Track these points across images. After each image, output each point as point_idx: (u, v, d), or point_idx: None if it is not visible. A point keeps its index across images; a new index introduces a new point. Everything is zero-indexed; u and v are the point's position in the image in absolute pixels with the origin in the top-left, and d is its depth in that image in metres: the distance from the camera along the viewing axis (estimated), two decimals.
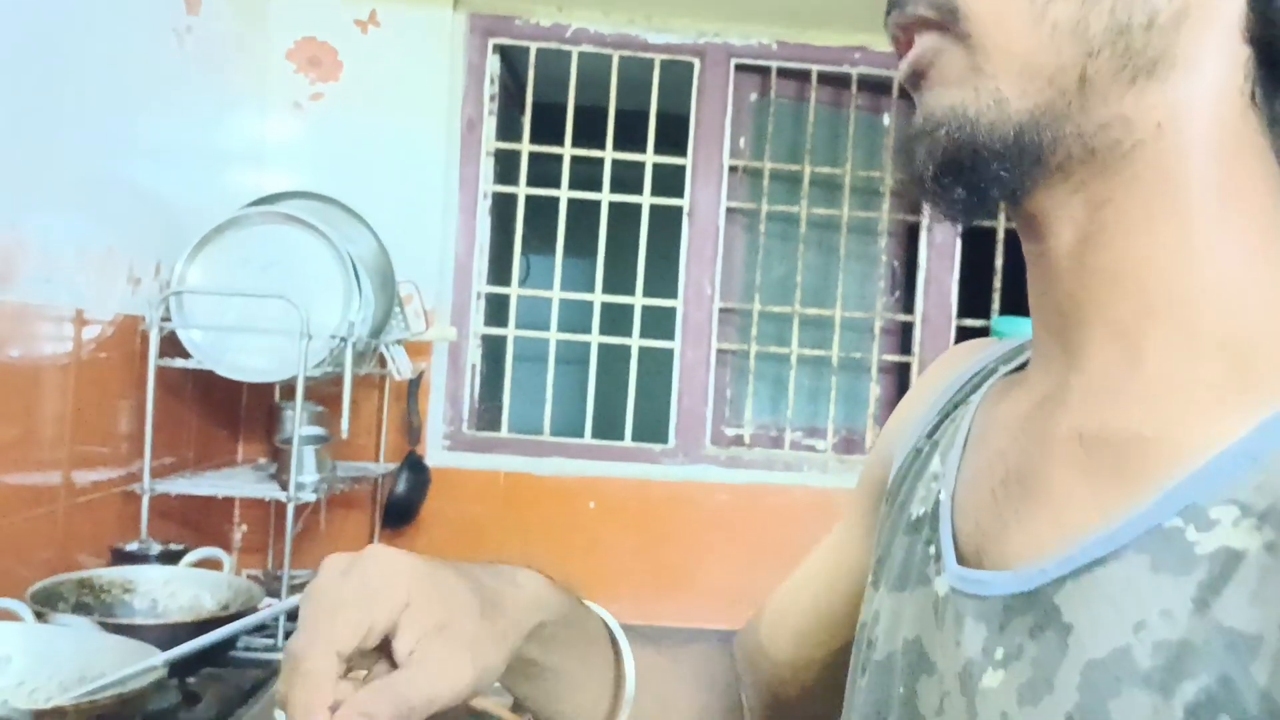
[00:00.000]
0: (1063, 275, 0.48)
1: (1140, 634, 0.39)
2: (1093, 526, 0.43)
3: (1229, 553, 0.38)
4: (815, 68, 2.63)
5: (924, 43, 0.48)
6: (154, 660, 0.99)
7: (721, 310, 2.63)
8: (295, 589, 1.82)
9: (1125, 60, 0.44)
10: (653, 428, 2.64)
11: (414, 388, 2.37)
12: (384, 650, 0.49)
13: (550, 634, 0.58)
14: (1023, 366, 0.57)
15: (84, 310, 1.69)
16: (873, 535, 0.63)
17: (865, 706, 0.55)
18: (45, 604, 1.31)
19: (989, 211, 0.49)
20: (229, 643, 1.42)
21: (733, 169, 2.64)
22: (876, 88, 2.68)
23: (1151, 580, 0.40)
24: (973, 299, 2.67)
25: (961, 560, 0.50)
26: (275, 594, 1.83)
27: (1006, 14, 0.45)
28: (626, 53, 2.61)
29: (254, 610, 1.38)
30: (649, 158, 2.65)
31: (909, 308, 2.70)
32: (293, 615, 1.78)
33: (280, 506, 1.93)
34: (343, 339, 1.89)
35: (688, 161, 2.63)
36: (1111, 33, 0.44)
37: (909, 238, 2.73)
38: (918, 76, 0.49)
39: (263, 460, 2.30)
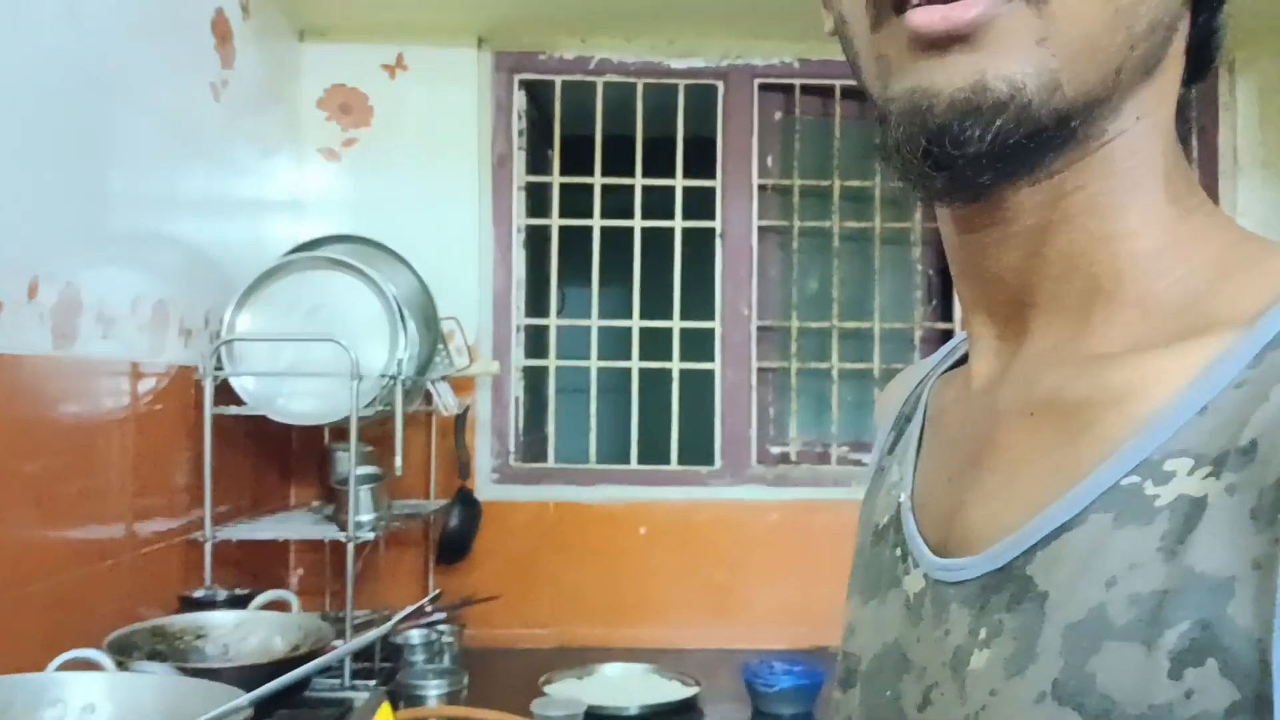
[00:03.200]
0: (1016, 260, 0.48)
1: (1113, 590, 0.40)
2: (1052, 494, 0.43)
3: (1190, 501, 0.39)
4: (838, 83, 2.64)
5: (999, 4, 0.42)
6: (241, 701, 1.00)
7: (760, 328, 2.64)
8: (358, 629, 1.83)
9: (1149, 56, 0.45)
10: (698, 450, 2.64)
11: (460, 423, 2.39)
12: None
13: None
14: (960, 362, 0.58)
15: (139, 364, 1.72)
16: None
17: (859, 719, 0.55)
18: (122, 653, 1.33)
19: (984, 195, 0.47)
20: (303, 683, 1.43)
21: (762, 188, 2.65)
22: None
23: (1116, 536, 0.40)
24: None
25: (933, 553, 0.51)
26: (339, 635, 1.84)
27: None
28: (650, 80, 2.64)
29: (327, 649, 1.40)
30: (679, 181, 2.67)
31: (947, 315, 2.69)
32: (359, 655, 1.79)
33: (337, 547, 1.95)
34: (392, 378, 1.91)
35: (717, 183, 2.65)
36: (1150, 27, 0.44)
37: (943, 245, 2.72)
38: (963, 35, 0.43)
39: (315, 502, 2.32)
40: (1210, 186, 2.61)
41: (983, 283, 0.51)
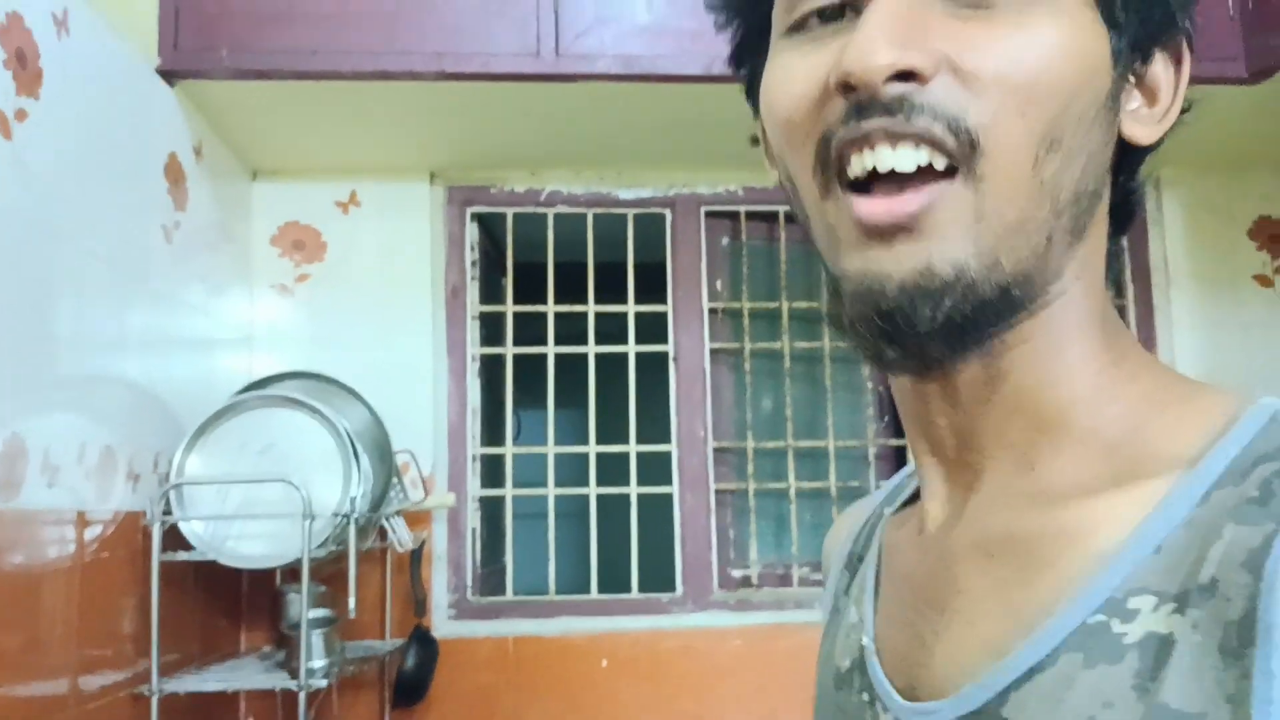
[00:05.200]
0: (962, 407, 0.50)
1: None
2: (1016, 635, 0.45)
3: (1157, 639, 0.40)
4: (781, 209, 2.72)
5: (938, 188, 0.45)
6: None
7: (716, 450, 2.64)
8: None
9: (1077, 221, 0.48)
10: (659, 575, 2.61)
11: (416, 558, 2.34)
12: None
13: None
14: (911, 501, 0.60)
15: (85, 512, 1.68)
16: None
17: None
18: None
19: (934, 365, 0.49)
20: None
21: (713, 311, 2.70)
22: None
23: (1088, 676, 0.41)
24: None
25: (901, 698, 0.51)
26: None
27: (1016, 161, 0.45)
28: (600, 209, 2.70)
29: None
30: (630, 308, 2.71)
31: (899, 432, 2.72)
32: None
33: (289, 696, 1.88)
34: (345, 516, 1.88)
35: (668, 308, 2.69)
36: (1073, 195, 0.47)
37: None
38: (906, 225, 0.46)
39: (266, 648, 2.24)
40: (1145, 299, 2.69)
41: (931, 428, 0.53)
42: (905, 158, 0.45)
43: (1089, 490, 0.46)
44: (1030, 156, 0.45)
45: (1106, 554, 0.43)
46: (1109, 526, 0.44)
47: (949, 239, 0.45)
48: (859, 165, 0.46)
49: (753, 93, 0.56)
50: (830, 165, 0.48)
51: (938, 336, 0.46)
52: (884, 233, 0.46)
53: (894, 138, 0.45)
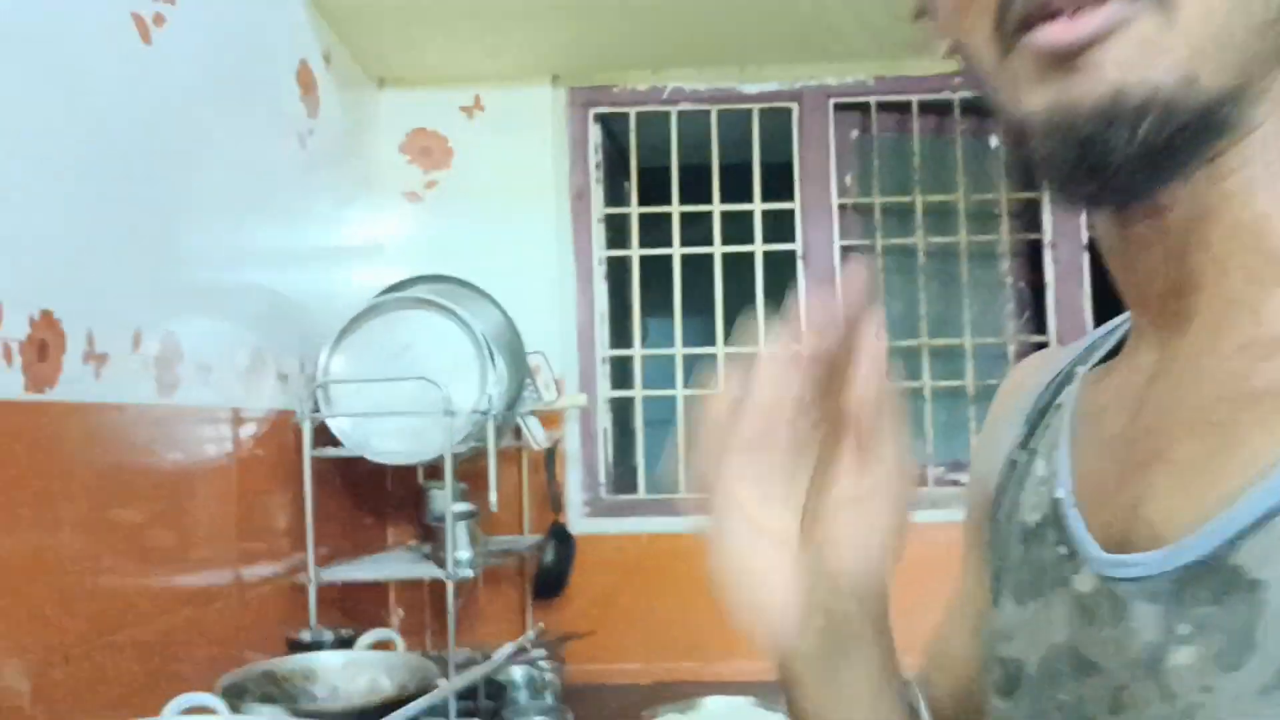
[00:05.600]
0: (1175, 249, 0.47)
1: None
2: (1248, 481, 0.41)
3: None
4: (915, 98, 2.61)
5: (1122, 8, 0.42)
6: None
7: None
8: (460, 667, 1.82)
9: (1278, 42, 0.43)
10: None
11: (551, 457, 2.38)
12: None
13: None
14: (1109, 357, 0.57)
15: (239, 409, 1.74)
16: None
17: None
18: (234, 698, 1.34)
19: (1137, 197, 0.46)
20: None
21: (842, 208, 2.62)
22: (980, 111, 2.64)
23: None
24: (1106, 312, 2.58)
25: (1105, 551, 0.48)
26: (443, 673, 1.84)
27: None
28: (724, 106, 2.63)
29: (431, 688, 1.39)
30: (757, 205, 2.65)
31: (1040, 329, 2.62)
32: (463, 694, 1.78)
33: (437, 586, 1.95)
34: (483, 413, 1.92)
35: (796, 205, 2.62)
36: (1278, 13, 0.43)
37: (1032, 257, 2.66)
38: (1091, 45, 0.43)
39: (412, 542, 2.33)
40: None
41: (1143, 274, 0.50)
42: None
43: None
44: None
45: None
46: None
47: (1140, 57, 0.42)
48: (1045, 10, 0.43)
49: None
50: (1010, 24, 0.45)
51: (1137, 163, 0.43)
52: (1068, 57, 0.43)
53: None
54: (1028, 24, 0.44)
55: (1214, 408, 0.45)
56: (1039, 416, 0.60)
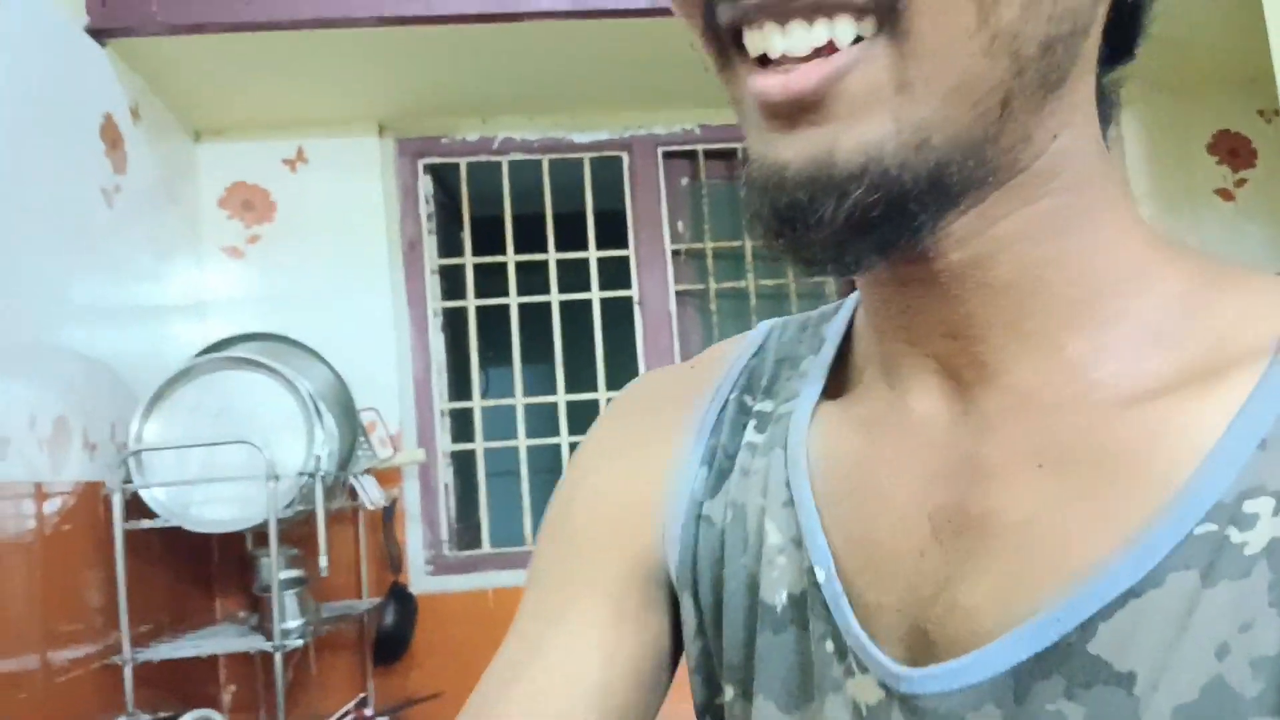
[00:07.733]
0: (952, 297, 0.42)
1: (1227, 659, 0.34)
2: (1093, 556, 0.37)
3: None
4: (740, 146, 2.68)
5: (850, 53, 0.37)
6: None
7: None
8: None
9: (1044, 77, 0.38)
10: None
11: (389, 516, 2.32)
12: None
13: None
14: (835, 395, 0.49)
15: (42, 483, 1.64)
16: (650, 624, 0.51)
17: None
18: None
19: (857, 267, 0.41)
20: None
21: (675, 253, 2.67)
22: None
23: (1210, 596, 0.34)
24: None
25: (891, 650, 0.41)
26: None
27: (952, 10, 0.36)
28: (555, 155, 2.65)
29: None
30: (592, 254, 2.67)
31: None
32: None
33: (267, 658, 1.86)
34: (310, 475, 1.85)
35: (630, 252, 2.65)
36: (1042, 47, 0.37)
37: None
38: (809, 104, 0.37)
39: (241, 613, 2.22)
40: None
41: (917, 313, 0.44)
42: (798, 39, 0.37)
43: (1155, 386, 0.39)
44: (970, 2, 0.35)
45: (1201, 455, 0.36)
46: (1195, 424, 0.37)
47: (862, 117, 0.37)
48: (751, 45, 0.38)
49: None
50: (721, 33, 0.39)
51: (848, 234, 0.37)
52: (782, 113, 0.37)
53: (780, 14, 0.37)
54: (737, 34, 0.39)
55: (1043, 470, 0.40)
56: (721, 457, 0.51)
